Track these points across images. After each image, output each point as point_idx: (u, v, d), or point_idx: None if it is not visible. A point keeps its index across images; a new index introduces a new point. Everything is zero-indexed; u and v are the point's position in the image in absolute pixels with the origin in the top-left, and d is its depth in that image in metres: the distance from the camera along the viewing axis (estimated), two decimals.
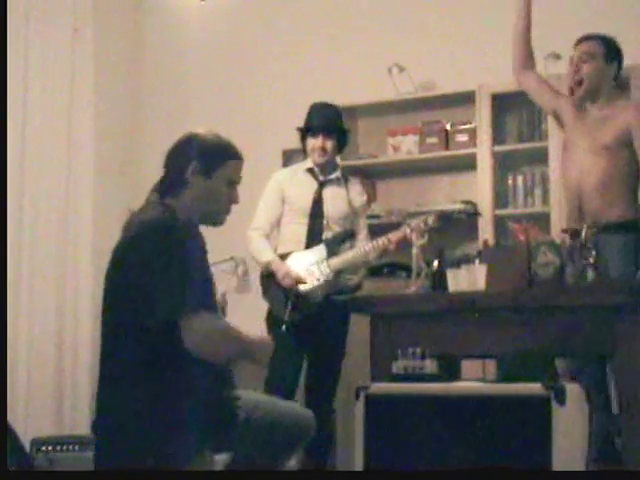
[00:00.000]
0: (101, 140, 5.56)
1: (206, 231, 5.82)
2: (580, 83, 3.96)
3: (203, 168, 2.83)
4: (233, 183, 2.93)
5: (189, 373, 2.66)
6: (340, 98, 5.28)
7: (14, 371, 4.99)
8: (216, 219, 2.93)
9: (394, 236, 4.27)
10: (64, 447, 4.39)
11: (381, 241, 4.29)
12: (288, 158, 5.42)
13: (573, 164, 4.01)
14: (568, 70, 4.03)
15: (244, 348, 2.76)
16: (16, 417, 4.75)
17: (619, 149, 3.90)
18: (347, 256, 4.33)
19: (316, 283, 4.29)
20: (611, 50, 3.96)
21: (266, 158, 5.57)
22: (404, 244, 4.20)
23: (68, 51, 5.50)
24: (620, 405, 3.41)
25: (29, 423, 4.96)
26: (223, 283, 5.27)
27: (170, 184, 2.84)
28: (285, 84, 5.69)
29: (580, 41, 4.00)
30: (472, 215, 4.25)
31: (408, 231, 4.16)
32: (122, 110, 5.99)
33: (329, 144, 4.42)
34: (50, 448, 4.39)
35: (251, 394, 2.92)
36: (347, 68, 5.54)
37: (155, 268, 2.65)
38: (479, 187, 5.03)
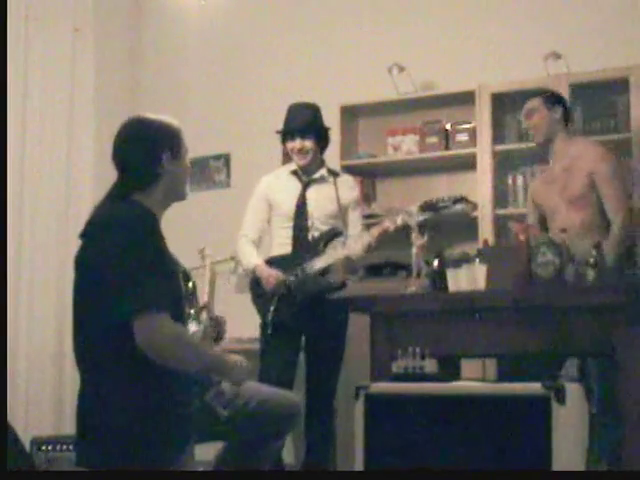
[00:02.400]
0: (101, 140, 5.56)
1: (207, 231, 5.81)
2: (535, 136, 4.28)
3: (173, 152, 2.81)
4: (187, 151, 2.90)
5: (158, 372, 2.62)
6: (340, 98, 5.29)
7: (14, 371, 4.98)
8: (184, 194, 2.91)
9: (376, 230, 4.23)
10: (64, 447, 4.39)
11: (365, 236, 4.26)
12: (288, 158, 5.42)
13: (556, 225, 4.09)
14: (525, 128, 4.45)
15: (212, 362, 2.72)
16: (16, 417, 4.75)
17: (589, 194, 4.11)
18: (331, 254, 4.27)
19: (299, 284, 4.25)
20: (549, 98, 4.26)
21: (266, 158, 5.57)
22: (406, 242, 4.17)
23: (68, 51, 5.50)
24: (620, 405, 3.41)
25: (29, 423, 4.96)
26: (224, 283, 5.28)
27: (138, 180, 2.78)
28: (285, 84, 5.69)
29: (523, 103, 4.32)
30: (458, 201, 4.17)
31: (389, 224, 4.15)
32: (122, 110, 5.98)
33: (308, 144, 4.40)
34: (50, 448, 4.39)
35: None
36: (347, 68, 5.54)
37: (117, 263, 2.60)
38: (479, 187, 5.03)
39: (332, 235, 4.35)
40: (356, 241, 4.27)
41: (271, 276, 4.27)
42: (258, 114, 5.75)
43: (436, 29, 5.40)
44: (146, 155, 2.78)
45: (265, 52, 5.84)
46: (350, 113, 5.46)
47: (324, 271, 4.29)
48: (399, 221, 4.14)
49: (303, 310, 4.25)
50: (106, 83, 5.80)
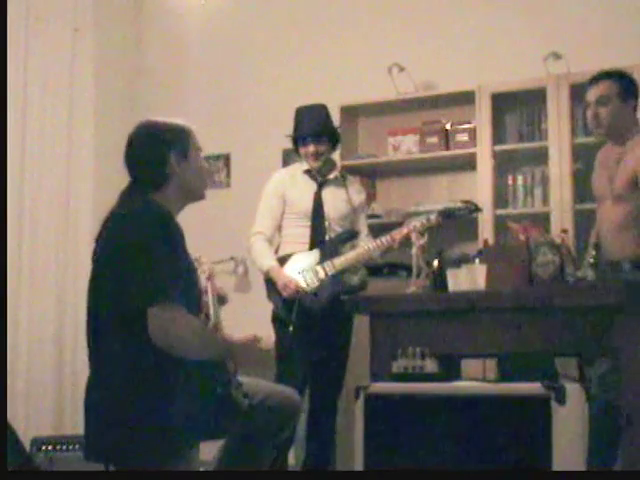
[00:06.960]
0: (101, 140, 5.56)
1: (206, 231, 5.81)
2: (599, 126, 3.88)
3: (180, 152, 2.83)
4: (200, 151, 2.92)
5: (170, 364, 2.62)
6: (340, 98, 5.29)
7: (14, 371, 4.99)
8: (202, 193, 2.95)
9: (397, 234, 4.23)
10: (64, 447, 4.39)
11: (384, 239, 4.27)
12: (288, 158, 5.42)
13: (600, 215, 3.97)
14: (587, 113, 3.93)
15: (223, 349, 2.73)
16: (16, 417, 4.76)
17: (631, 195, 3.82)
18: (351, 255, 4.29)
19: (320, 283, 4.26)
20: (626, 89, 3.86)
21: (266, 158, 5.58)
22: (406, 242, 4.19)
23: (68, 51, 5.50)
24: (620, 405, 3.41)
25: (29, 423, 4.96)
26: (224, 283, 5.28)
27: (150, 181, 2.81)
28: (285, 84, 5.69)
29: (595, 82, 3.90)
30: (474, 211, 4.24)
31: (411, 228, 4.15)
32: (122, 110, 5.99)
33: (321, 148, 4.39)
34: (50, 448, 4.39)
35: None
36: (347, 68, 5.55)
37: (133, 254, 2.64)
38: (479, 187, 5.03)
39: (350, 236, 4.38)
40: (378, 244, 4.28)
41: (290, 282, 4.24)
42: (258, 114, 5.76)
43: (436, 29, 5.41)
44: (153, 156, 2.82)
45: (265, 52, 5.84)
46: (350, 113, 5.46)
47: (343, 272, 4.31)
48: (419, 225, 4.14)
49: (323, 310, 4.26)
50: (106, 83, 5.80)
